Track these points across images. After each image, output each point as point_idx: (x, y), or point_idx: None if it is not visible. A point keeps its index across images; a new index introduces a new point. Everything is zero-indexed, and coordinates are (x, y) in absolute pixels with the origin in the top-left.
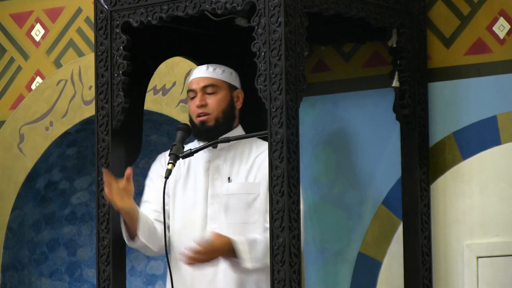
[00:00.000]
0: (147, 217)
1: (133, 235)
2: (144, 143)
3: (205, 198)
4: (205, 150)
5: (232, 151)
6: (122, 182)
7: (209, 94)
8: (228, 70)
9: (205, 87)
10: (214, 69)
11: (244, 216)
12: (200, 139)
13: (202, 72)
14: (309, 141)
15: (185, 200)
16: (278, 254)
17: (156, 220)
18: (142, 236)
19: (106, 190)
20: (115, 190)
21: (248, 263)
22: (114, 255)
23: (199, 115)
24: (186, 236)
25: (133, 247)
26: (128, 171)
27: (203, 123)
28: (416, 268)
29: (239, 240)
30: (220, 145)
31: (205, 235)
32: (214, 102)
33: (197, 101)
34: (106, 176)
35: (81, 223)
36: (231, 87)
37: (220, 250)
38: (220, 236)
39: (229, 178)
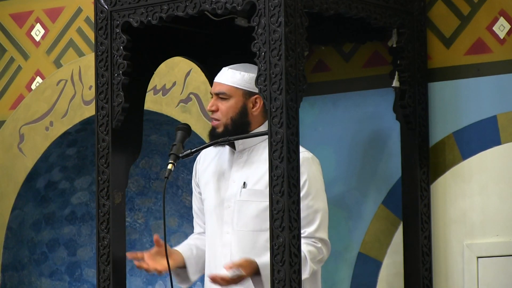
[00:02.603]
0: (192, 250)
1: (188, 281)
2: (144, 143)
3: (222, 201)
4: (229, 151)
5: (253, 154)
6: (153, 249)
7: (222, 99)
8: (250, 75)
9: (218, 93)
10: (233, 74)
11: (255, 224)
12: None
13: (221, 77)
14: (309, 141)
15: (209, 201)
16: (278, 254)
17: (200, 233)
18: (195, 276)
19: (137, 264)
20: (148, 258)
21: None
22: (114, 255)
23: (211, 119)
24: (210, 234)
25: None
26: (155, 237)
27: (214, 128)
28: (416, 268)
29: (265, 264)
30: (241, 147)
31: (225, 237)
32: (223, 109)
33: (209, 104)
34: (131, 256)
35: (81, 223)
36: (247, 94)
37: (247, 276)
38: (247, 263)
39: (244, 183)
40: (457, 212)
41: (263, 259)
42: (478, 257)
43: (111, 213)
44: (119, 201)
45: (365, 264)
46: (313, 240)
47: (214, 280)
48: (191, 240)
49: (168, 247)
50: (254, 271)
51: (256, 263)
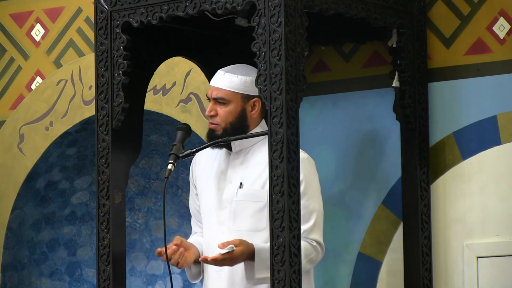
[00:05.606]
0: (202, 246)
1: (199, 276)
2: (144, 143)
3: (219, 202)
4: (225, 152)
5: (249, 154)
6: (176, 250)
7: (220, 104)
8: (247, 78)
9: (216, 98)
10: (231, 78)
11: (251, 224)
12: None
13: (218, 81)
14: (309, 141)
15: (206, 202)
16: (278, 254)
17: (199, 233)
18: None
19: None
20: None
21: (260, 274)
22: (114, 255)
23: (210, 122)
24: (207, 236)
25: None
26: (177, 239)
27: (212, 130)
28: (416, 268)
29: (260, 248)
30: (237, 148)
31: (221, 237)
32: (222, 114)
33: (207, 109)
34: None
35: (81, 223)
36: (245, 98)
37: (240, 258)
38: (241, 242)
39: (241, 184)
40: (457, 212)
41: (262, 244)
42: (478, 257)
43: (111, 213)
44: (119, 201)
45: (365, 264)
46: (308, 239)
47: (205, 260)
48: (197, 237)
49: (185, 241)
50: (248, 252)
51: (253, 245)
